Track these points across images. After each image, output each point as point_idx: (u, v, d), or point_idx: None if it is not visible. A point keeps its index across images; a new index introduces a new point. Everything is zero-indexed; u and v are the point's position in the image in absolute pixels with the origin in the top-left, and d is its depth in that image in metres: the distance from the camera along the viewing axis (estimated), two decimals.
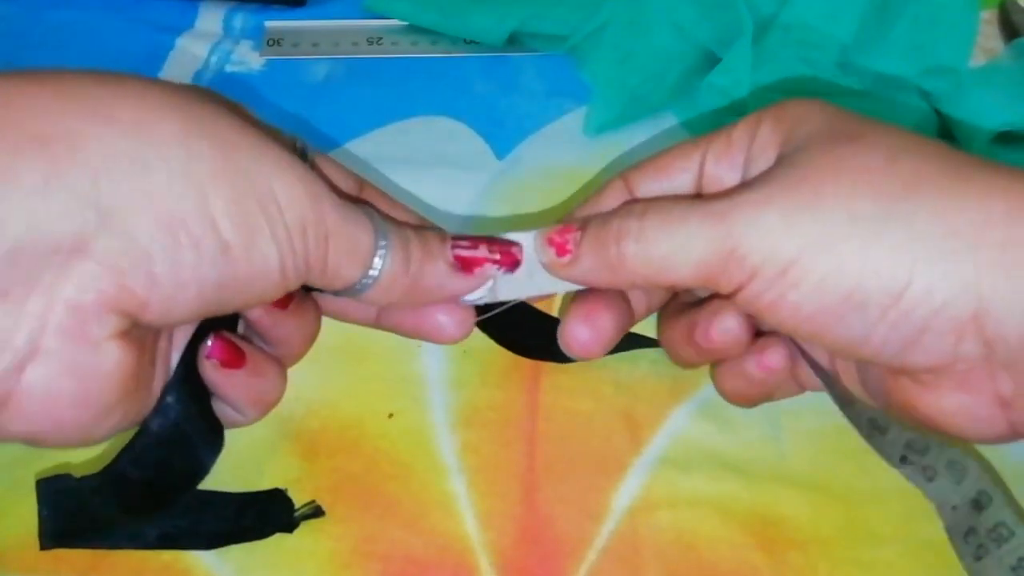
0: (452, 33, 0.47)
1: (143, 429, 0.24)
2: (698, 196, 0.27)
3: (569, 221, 0.27)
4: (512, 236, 0.27)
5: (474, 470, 0.32)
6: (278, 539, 0.30)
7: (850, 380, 0.28)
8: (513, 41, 0.46)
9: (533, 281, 0.27)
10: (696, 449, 0.33)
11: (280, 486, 0.31)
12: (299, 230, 0.22)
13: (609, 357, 0.35)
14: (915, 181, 0.23)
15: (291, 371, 0.34)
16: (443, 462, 0.32)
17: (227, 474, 0.31)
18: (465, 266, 0.26)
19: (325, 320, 0.36)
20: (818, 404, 0.34)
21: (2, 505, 0.31)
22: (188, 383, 0.25)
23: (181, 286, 0.21)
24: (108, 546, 0.28)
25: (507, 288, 0.27)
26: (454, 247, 0.26)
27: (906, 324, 0.22)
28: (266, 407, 0.27)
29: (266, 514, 0.30)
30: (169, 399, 0.24)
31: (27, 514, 0.30)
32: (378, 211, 0.26)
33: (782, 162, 0.24)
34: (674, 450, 0.33)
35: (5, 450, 0.32)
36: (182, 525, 0.29)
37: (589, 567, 0.30)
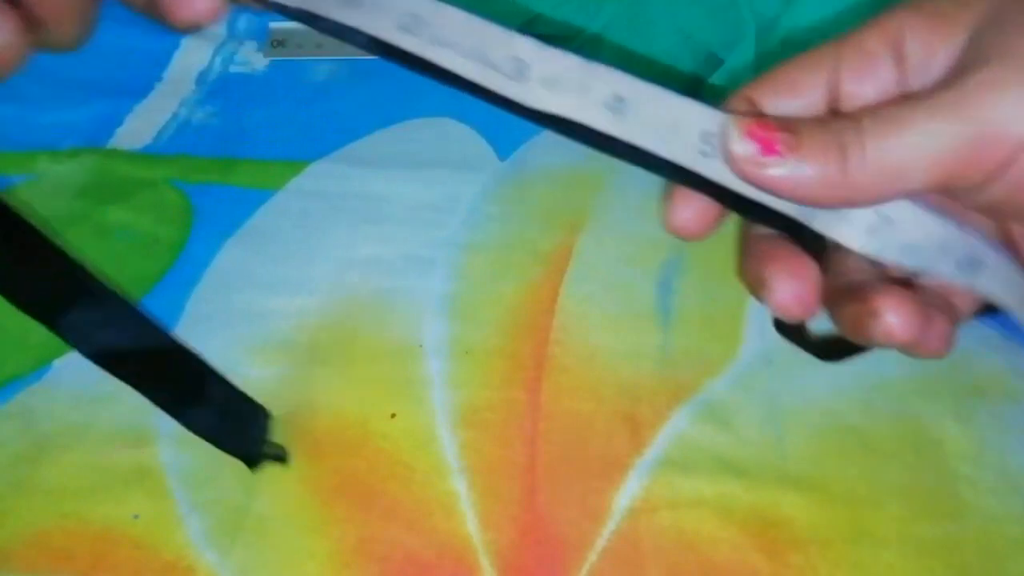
0: None
1: None
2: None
3: (763, 117, 0.22)
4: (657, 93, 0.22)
5: (475, 470, 0.32)
6: (279, 538, 0.30)
7: None
8: None
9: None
10: (697, 450, 0.33)
11: (283, 485, 0.31)
12: None
13: (610, 358, 0.35)
14: None
15: (294, 371, 0.35)
16: (444, 462, 0.32)
17: (229, 472, 0.32)
18: None
19: (324, 321, 0.36)
20: (820, 405, 0.34)
21: (3, 505, 0.31)
22: None
23: None
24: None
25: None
26: None
27: None
28: None
29: (242, 427, 0.30)
30: None
31: (28, 513, 0.31)
32: None
33: (985, 45, 0.22)
34: (675, 451, 0.33)
35: (6, 450, 0.32)
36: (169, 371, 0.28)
37: (590, 568, 0.30)
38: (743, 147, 0.21)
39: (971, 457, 0.32)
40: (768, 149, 0.21)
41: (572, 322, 0.36)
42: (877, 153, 0.21)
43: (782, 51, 0.42)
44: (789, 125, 0.22)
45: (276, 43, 0.47)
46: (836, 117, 0.22)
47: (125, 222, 0.39)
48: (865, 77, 0.24)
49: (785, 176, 0.21)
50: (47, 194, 0.40)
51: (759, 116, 0.22)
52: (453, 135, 0.43)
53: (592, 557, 0.30)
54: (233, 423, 0.31)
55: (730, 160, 0.22)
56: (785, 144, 0.21)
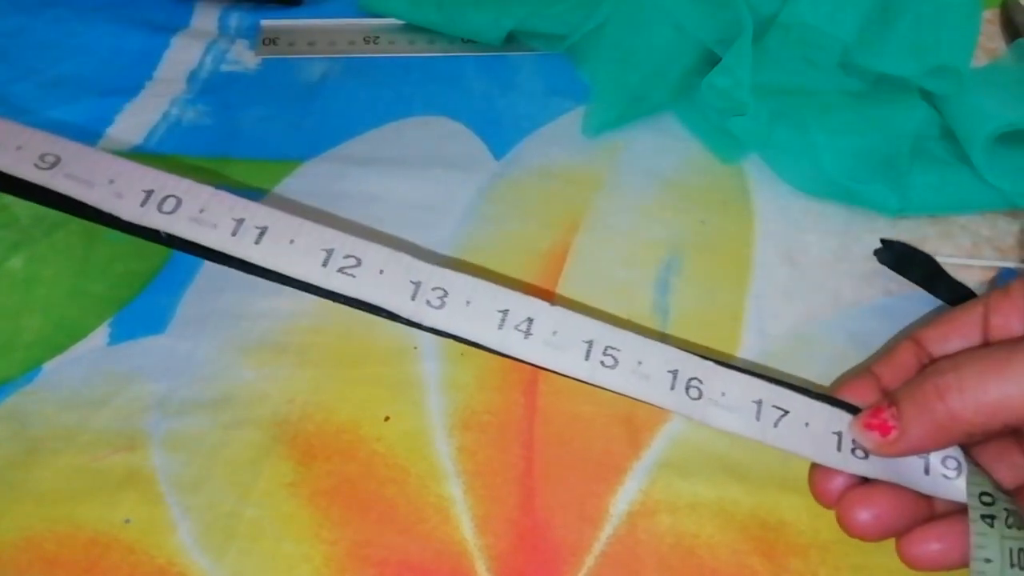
0: (450, 32, 0.47)
1: None
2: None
3: (876, 404, 0.27)
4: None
5: (471, 474, 0.32)
6: (272, 543, 0.30)
7: None
8: (511, 40, 0.46)
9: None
10: (696, 453, 0.32)
11: (276, 489, 0.31)
12: None
13: None
14: None
15: (287, 373, 0.34)
16: (440, 466, 0.32)
17: (222, 476, 0.31)
18: None
19: (317, 322, 0.35)
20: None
21: None
22: None
23: None
24: None
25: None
26: None
27: None
28: None
29: None
30: None
31: (22, 517, 0.30)
32: None
33: None
34: (674, 454, 0.32)
35: (0, 454, 0.32)
36: None
37: (588, 572, 0.30)
38: (869, 439, 0.26)
39: None
40: (884, 430, 0.26)
41: None
42: (976, 393, 0.24)
43: (780, 48, 0.42)
44: (889, 400, 0.26)
45: (268, 41, 0.47)
46: (934, 366, 0.26)
47: None
48: (1010, 313, 0.27)
49: (905, 444, 0.25)
50: None
51: (871, 407, 0.27)
52: (448, 134, 0.43)
53: (590, 561, 0.30)
54: None
55: (873, 452, 0.26)
56: (892, 417, 0.26)
